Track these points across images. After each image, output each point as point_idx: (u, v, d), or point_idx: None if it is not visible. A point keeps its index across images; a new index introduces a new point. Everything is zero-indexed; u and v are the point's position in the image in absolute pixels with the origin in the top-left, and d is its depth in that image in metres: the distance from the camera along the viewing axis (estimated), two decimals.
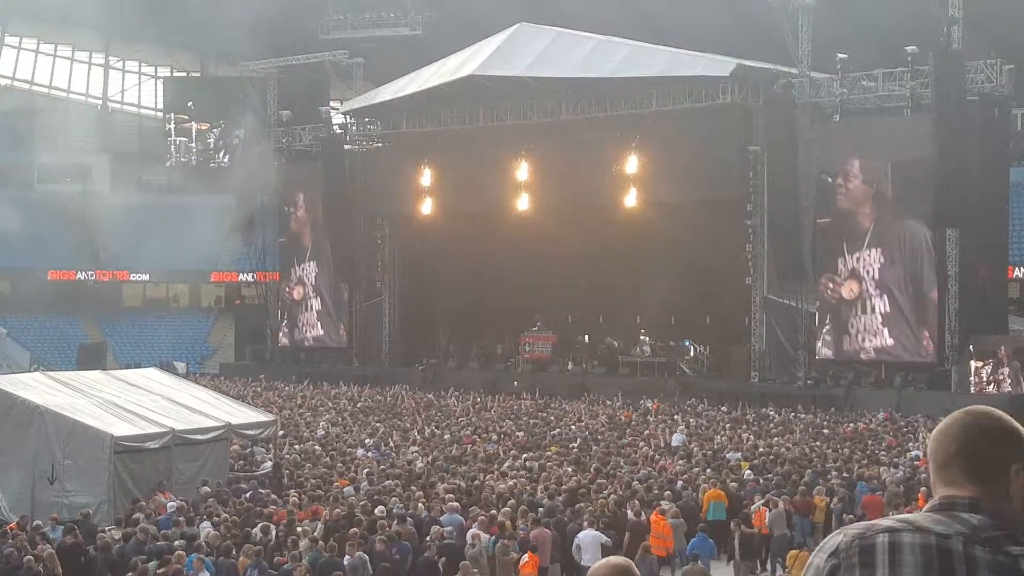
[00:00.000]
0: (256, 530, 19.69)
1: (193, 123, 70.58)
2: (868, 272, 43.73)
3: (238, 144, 65.41)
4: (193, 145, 70.69)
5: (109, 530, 19.95)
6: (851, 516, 21.12)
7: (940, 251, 42.32)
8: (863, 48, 46.77)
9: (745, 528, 21.57)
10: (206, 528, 20.08)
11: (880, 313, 43.45)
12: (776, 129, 45.32)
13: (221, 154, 69.71)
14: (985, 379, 40.72)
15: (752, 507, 22.46)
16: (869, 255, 43.70)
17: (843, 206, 44.12)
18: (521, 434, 33.90)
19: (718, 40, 48.40)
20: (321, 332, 59.90)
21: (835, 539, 2.65)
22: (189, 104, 70.74)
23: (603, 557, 18.28)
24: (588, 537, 19.38)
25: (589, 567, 17.96)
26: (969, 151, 40.83)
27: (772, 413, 39.34)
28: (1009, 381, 40.35)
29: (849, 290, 44.21)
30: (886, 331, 43.29)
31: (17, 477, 23.65)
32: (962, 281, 42.26)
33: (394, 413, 40.84)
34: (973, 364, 41.16)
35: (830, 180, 44.28)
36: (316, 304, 60.20)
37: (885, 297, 43.29)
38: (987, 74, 41.84)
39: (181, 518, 20.81)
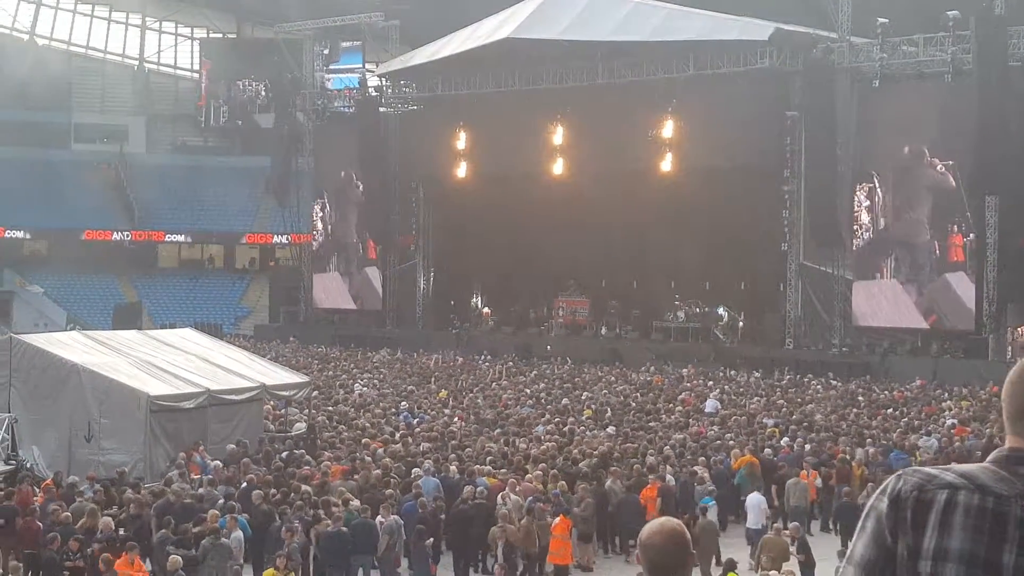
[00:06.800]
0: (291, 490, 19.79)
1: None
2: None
3: (273, 106, 65.44)
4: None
5: (137, 487, 20.06)
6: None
7: (979, 218, 41.94)
8: (904, 13, 46.11)
9: None
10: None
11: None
12: (814, 95, 44.91)
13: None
14: None
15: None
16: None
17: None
18: (553, 403, 33.82)
19: (756, 3, 47.88)
20: (354, 295, 59.97)
21: (895, 484, 2.50)
22: None
23: (765, 521, 18.70)
24: (754, 500, 20.65)
25: (754, 529, 18.10)
26: (1010, 117, 40.35)
27: (810, 380, 39.19)
28: None
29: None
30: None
31: (54, 435, 23.82)
32: (1000, 248, 41.86)
33: (429, 377, 40.84)
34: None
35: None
36: (349, 267, 60.28)
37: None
38: None
39: (218, 476, 20.94)
